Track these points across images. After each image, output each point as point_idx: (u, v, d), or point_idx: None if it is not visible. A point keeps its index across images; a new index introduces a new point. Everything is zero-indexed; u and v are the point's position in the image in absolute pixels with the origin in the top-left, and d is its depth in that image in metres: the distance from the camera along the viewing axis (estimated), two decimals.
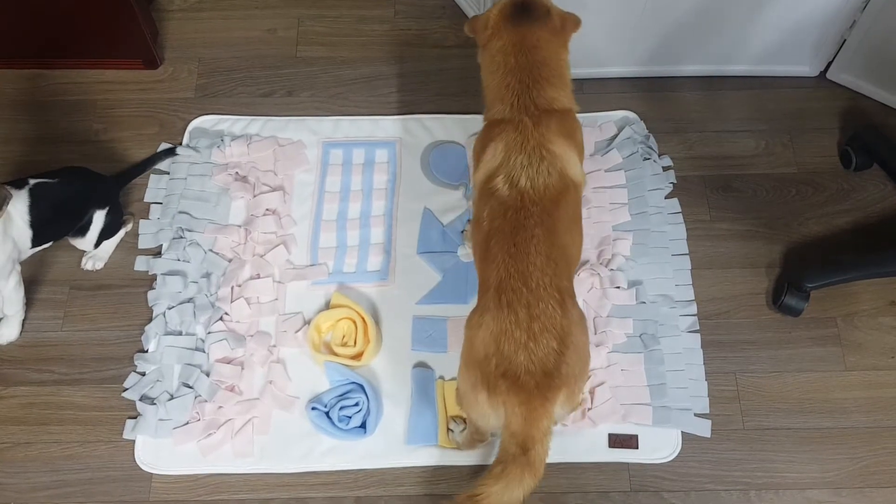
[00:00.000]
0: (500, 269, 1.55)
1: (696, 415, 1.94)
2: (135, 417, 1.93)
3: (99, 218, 2.06)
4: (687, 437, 1.92)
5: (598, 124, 2.33)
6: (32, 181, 1.92)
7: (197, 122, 2.36)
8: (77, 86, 2.44)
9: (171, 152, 2.28)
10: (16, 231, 1.88)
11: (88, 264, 2.13)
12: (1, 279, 1.91)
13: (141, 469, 1.89)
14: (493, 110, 1.71)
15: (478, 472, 1.89)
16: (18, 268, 1.95)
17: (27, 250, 1.95)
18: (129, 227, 2.18)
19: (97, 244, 2.10)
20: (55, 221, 1.98)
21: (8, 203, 1.79)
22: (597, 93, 2.41)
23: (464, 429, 1.88)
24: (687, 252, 2.15)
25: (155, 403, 1.92)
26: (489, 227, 1.62)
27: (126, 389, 1.96)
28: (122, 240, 2.17)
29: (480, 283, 1.63)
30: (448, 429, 1.91)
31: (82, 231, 2.05)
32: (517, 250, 1.56)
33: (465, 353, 1.60)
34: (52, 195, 1.95)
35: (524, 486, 1.48)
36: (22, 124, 2.37)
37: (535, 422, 1.48)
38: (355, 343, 2.00)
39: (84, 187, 2.04)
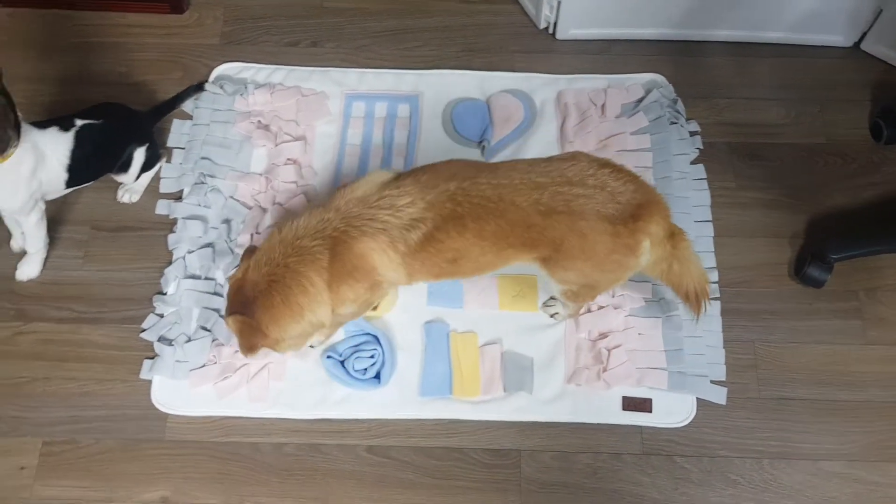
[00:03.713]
0: (524, 205, 1.59)
1: (712, 382, 1.93)
2: (152, 358, 1.94)
3: (139, 154, 2.07)
4: (702, 404, 1.92)
5: (625, 86, 2.30)
6: (79, 122, 1.92)
7: (221, 69, 2.35)
8: (102, 28, 2.43)
9: (199, 88, 2.27)
10: (47, 173, 1.87)
11: (125, 197, 2.14)
12: (22, 215, 1.91)
13: (157, 409, 1.90)
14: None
15: (489, 427, 1.89)
16: (42, 205, 1.95)
17: (60, 191, 1.95)
18: (164, 160, 2.19)
19: (136, 178, 2.12)
20: (94, 164, 1.99)
21: (13, 146, 1.75)
22: (625, 54, 2.38)
23: (565, 304, 1.94)
24: (710, 219, 2.13)
25: (173, 345, 1.93)
26: (466, 224, 1.61)
27: (144, 330, 1.97)
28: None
29: (530, 242, 1.64)
30: (553, 313, 1.99)
31: (125, 167, 2.06)
32: (512, 189, 1.60)
33: (589, 268, 1.67)
34: (97, 137, 1.94)
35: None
36: (46, 64, 2.36)
37: (667, 211, 1.67)
38: None
39: (125, 126, 2.04)
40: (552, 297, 1.98)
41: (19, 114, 1.76)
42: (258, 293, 1.61)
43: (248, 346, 1.64)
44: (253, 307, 1.61)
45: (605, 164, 1.65)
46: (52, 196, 1.97)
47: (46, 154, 1.85)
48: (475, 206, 1.59)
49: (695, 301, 1.77)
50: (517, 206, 1.58)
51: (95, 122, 1.95)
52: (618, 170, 1.64)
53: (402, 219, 1.60)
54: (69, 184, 1.94)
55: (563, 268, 1.68)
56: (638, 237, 1.61)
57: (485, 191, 1.59)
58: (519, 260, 1.71)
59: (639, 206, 1.60)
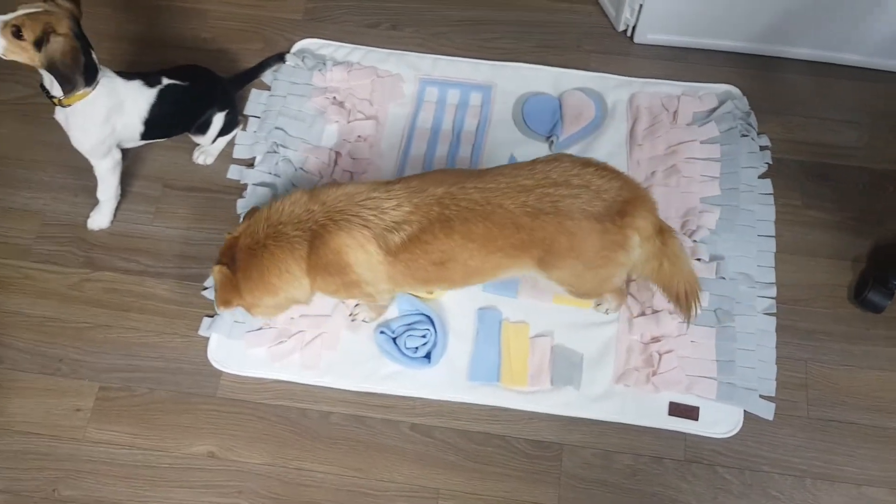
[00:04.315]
0: (512, 208, 1.61)
1: (761, 396, 1.92)
2: (212, 316, 1.99)
3: (219, 119, 2.13)
4: (748, 417, 1.91)
5: (698, 94, 2.29)
6: (165, 81, 1.98)
7: (302, 44, 2.40)
8: None
9: (280, 58, 2.33)
10: (123, 120, 1.94)
11: (200, 158, 2.20)
12: (94, 158, 1.98)
13: (212, 366, 1.95)
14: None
15: (534, 418, 1.91)
16: (118, 154, 2.02)
17: (136, 141, 2.02)
18: (241, 126, 2.24)
19: (213, 141, 2.18)
20: (172, 122, 2.05)
21: (79, 89, 1.78)
22: (701, 63, 2.37)
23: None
24: (773, 234, 2.11)
25: None
26: (454, 226, 1.62)
27: (206, 289, 2.02)
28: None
29: (519, 245, 1.65)
30: (596, 304, 2.00)
31: (203, 129, 2.12)
32: (499, 192, 1.62)
33: (580, 265, 1.68)
34: (179, 98, 2.01)
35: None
36: (132, 24, 2.44)
37: (654, 206, 1.67)
38: None
39: (208, 90, 2.10)
40: None
41: (96, 60, 1.82)
42: (241, 259, 1.68)
43: (224, 301, 1.72)
44: (235, 269, 1.69)
45: (588, 163, 1.67)
46: (127, 145, 2.03)
47: (125, 103, 1.92)
48: (463, 210, 1.61)
49: (685, 303, 1.77)
50: (504, 209, 1.60)
51: (181, 83, 2.01)
52: (602, 168, 1.66)
53: (385, 220, 1.62)
54: (144, 136, 2.00)
55: (555, 267, 1.69)
56: (626, 232, 1.63)
57: (472, 194, 1.62)
58: (508, 267, 1.72)
59: (625, 203, 1.62)
